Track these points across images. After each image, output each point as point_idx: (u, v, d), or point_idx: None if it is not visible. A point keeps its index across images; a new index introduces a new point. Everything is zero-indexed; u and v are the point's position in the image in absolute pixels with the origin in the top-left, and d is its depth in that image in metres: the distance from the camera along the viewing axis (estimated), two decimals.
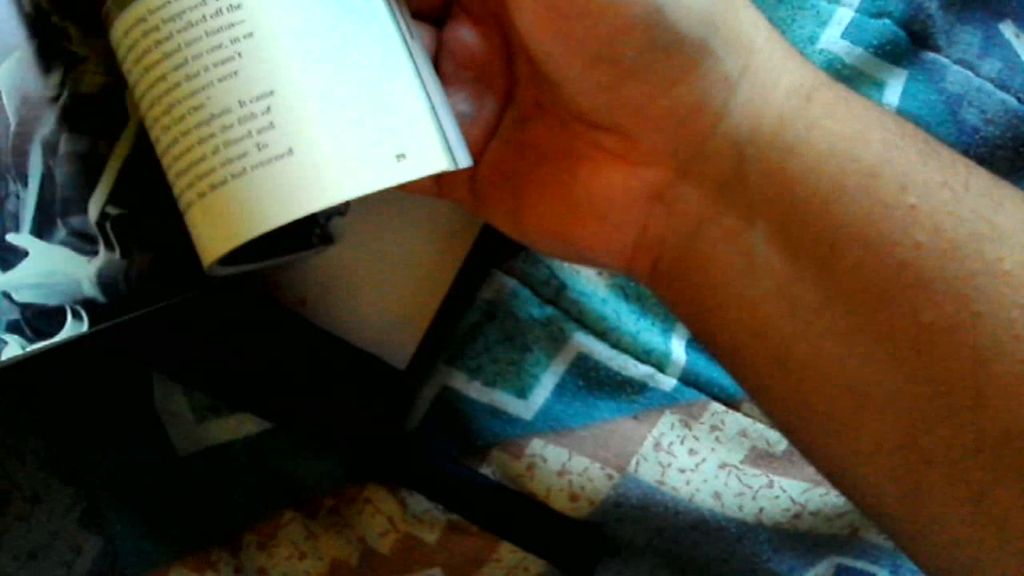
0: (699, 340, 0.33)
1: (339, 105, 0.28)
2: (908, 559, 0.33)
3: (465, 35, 0.32)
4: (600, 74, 0.29)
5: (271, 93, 0.27)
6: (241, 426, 0.41)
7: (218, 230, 0.28)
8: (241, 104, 0.27)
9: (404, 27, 0.29)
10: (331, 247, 0.35)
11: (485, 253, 0.40)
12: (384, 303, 0.39)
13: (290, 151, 0.27)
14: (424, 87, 0.29)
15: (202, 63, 0.28)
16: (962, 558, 0.30)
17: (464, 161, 0.29)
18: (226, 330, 0.39)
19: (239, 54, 0.28)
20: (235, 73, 0.28)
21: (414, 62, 0.29)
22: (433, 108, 0.29)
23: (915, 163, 0.29)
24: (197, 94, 0.28)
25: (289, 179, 0.27)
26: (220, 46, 0.28)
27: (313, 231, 0.34)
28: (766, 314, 0.30)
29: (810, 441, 0.32)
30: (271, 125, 0.27)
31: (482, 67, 0.32)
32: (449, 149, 0.29)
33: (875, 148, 0.29)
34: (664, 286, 0.32)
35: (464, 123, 0.31)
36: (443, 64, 0.32)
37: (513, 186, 0.32)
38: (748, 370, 0.32)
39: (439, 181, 0.33)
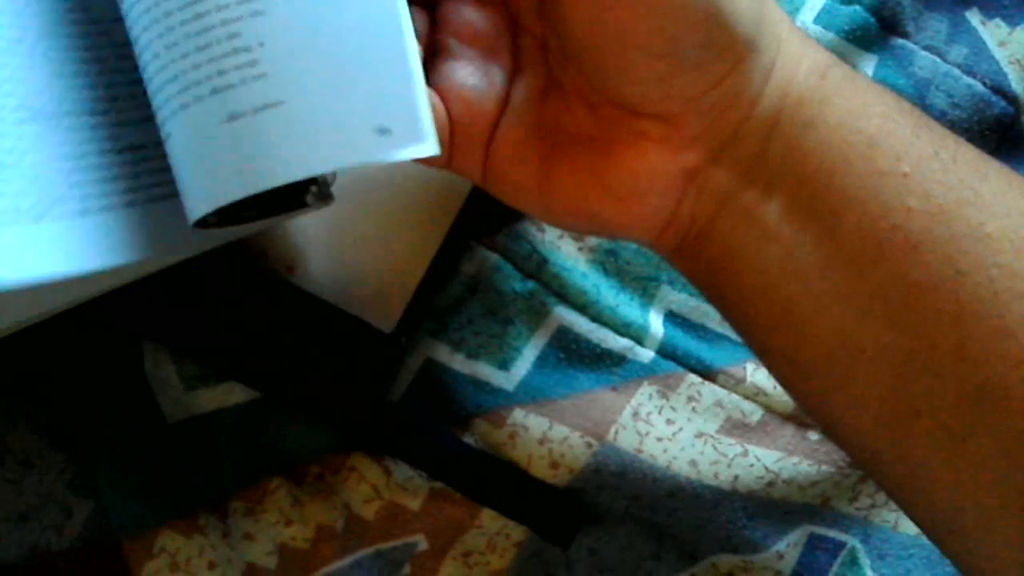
0: (711, 302, 0.35)
1: (326, 68, 0.28)
2: (897, 505, 0.35)
3: (466, 12, 0.33)
4: (660, 69, 0.30)
5: (262, 45, 0.28)
6: (229, 395, 0.41)
7: (206, 186, 0.29)
8: (236, 51, 0.28)
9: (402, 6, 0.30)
10: (328, 204, 0.36)
11: (468, 225, 0.41)
12: (371, 270, 0.40)
13: (279, 102, 0.28)
14: (416, 68, 0.30)
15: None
16: (944, 502, 0.32)
17: (435, 148, 0.29)
18: (216, 298, 0.39)
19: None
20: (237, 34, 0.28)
21: (408, 42, 0.30)
22: (423, 90, 0.30)
23: (910, 136, 0.32)
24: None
25: (280, 137, 0.28)
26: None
27: (308, 189, 0.35)
28: (774, 277, 0.32)
29: (809, 393, 0.34)
30: (264, 74, 0.28)
31: (487, 42, 0.33)
32: (432, 133, 0.29)
33: (875, 121, 0.31)
34: (685, 258, 0.34)
35: (475, 96, 0.32)
36: (446, 40, 0.32)
37: (536, 165, 0.33)
38: (756, 329, 0.34)
39: (452, 152, 0.33)
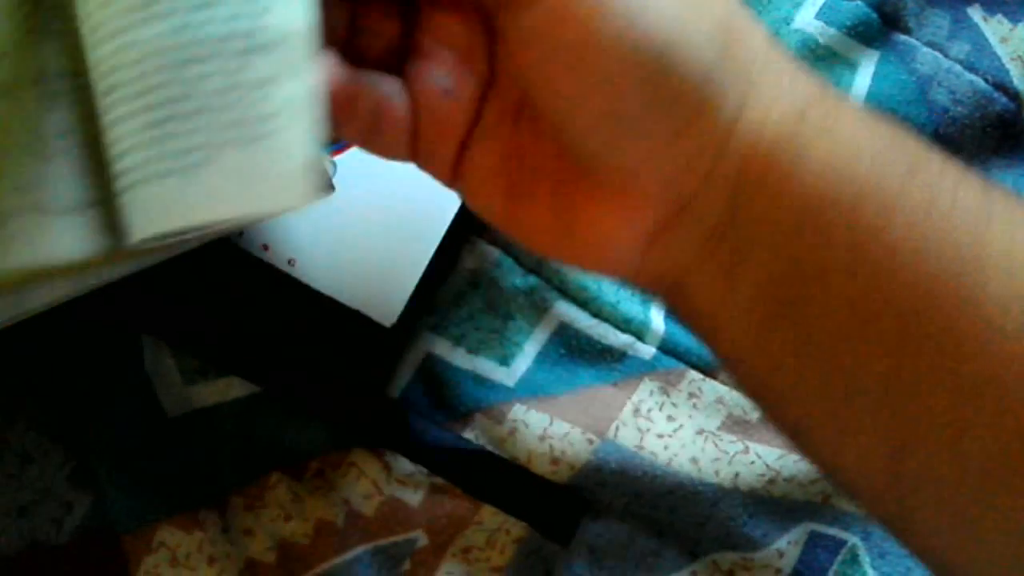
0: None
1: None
2: (885, 528, 0.34)
3: (442, 19, 0.31)
4: (604, 128, 0.28)
5: None
6: (229, 389, 0.41)
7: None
8: None
9: None
10: (328, 195, 0.35)
11: (469, 220, 0.41)
12: (372, 265, 0.40)
13: None
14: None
15: None
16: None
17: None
18: (216, 292, 0.39)
19: None
20: None
21: None
22: None
23: (903, 177, 0.29)
24: None
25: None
26: None
27: None
28: (745, 350, 0.31)
29: (801, 446, 0.33)
30: None
31: (461, 47, 0.31)
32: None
33: (865, 165, 0.29)
34: (665, 302, 0.33)
35: (446, 100, 0.31)
36: (422, 39, 0.31)
37: (505, 190, 0.31)
38: (741, 386, 0.34)
39: (418, 146, 0.31)
